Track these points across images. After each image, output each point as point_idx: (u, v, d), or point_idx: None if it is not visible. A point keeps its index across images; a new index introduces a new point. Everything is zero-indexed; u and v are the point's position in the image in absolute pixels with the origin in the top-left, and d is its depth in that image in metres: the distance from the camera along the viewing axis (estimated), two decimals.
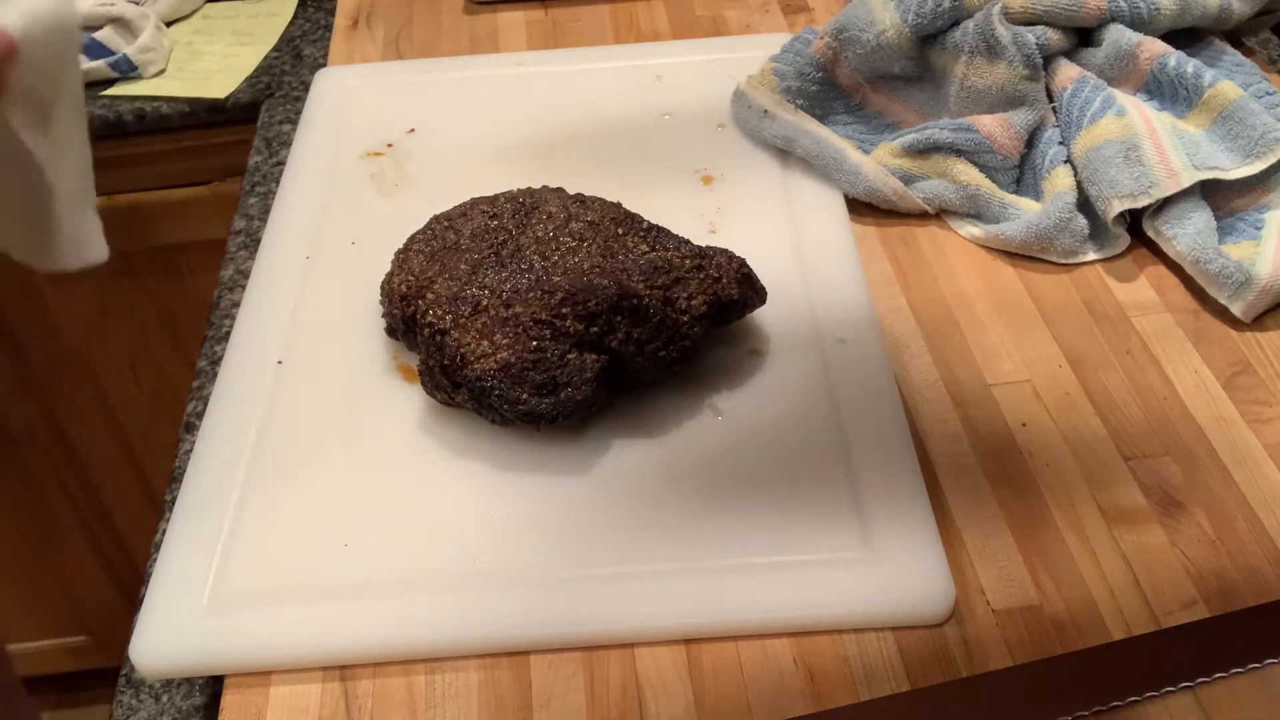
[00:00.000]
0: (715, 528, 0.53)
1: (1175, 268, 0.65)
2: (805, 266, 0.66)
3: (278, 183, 0.80)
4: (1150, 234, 0.66)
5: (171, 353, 1.11)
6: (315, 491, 0.56)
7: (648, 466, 0.56)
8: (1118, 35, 0.71)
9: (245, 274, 0.72)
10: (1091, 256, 0.66)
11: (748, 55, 0.82)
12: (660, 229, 0.60)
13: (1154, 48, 0.70)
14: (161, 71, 0.97)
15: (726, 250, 0.59)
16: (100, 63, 0.95)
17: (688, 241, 0.60)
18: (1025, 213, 0.67)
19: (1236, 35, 0.79)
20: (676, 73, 0.83)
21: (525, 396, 0.54)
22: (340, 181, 0.75)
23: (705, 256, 0.58)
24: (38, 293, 1.05)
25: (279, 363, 0.62)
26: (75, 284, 1.05)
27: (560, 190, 0.63)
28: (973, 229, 0.69)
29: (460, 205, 0.64)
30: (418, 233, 0.63)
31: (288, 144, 0.84)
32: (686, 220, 0.68)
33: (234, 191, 0.80)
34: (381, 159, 0.77)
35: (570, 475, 0.56)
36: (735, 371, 0.60)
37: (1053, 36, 0.71)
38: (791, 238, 0.68)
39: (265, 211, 0.77)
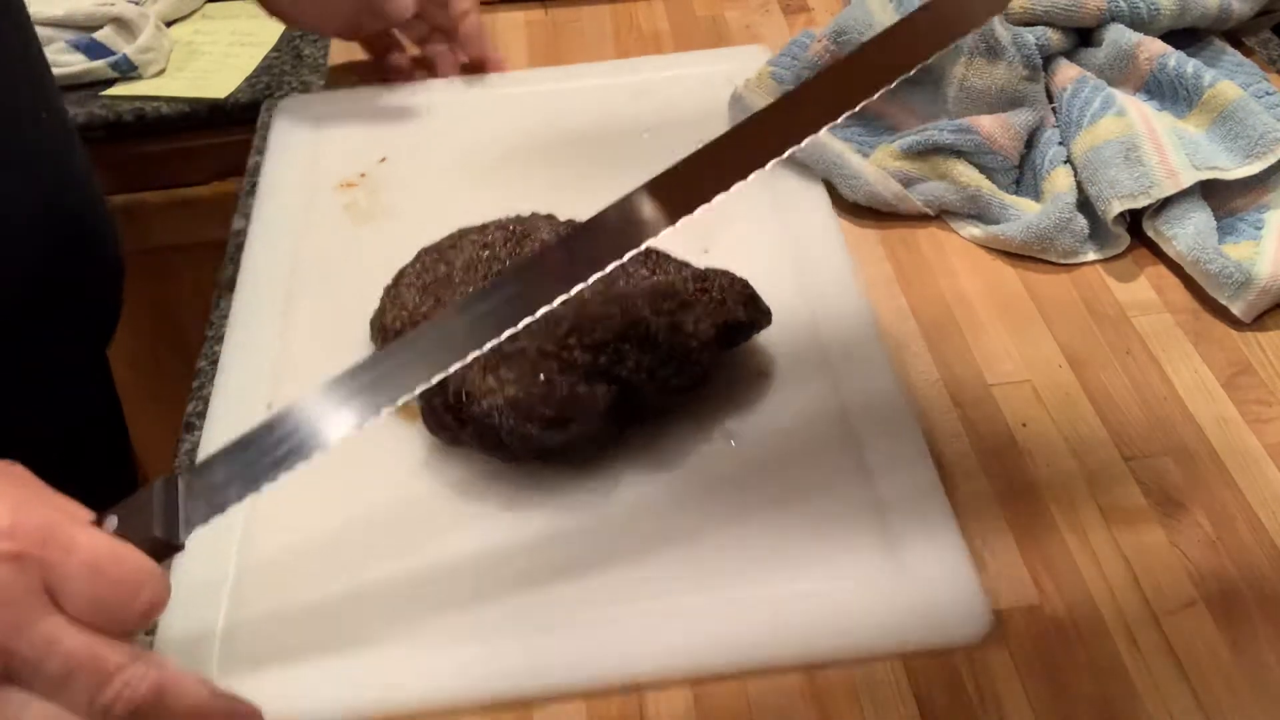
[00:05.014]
0: (736, 559, 0.51)
1: (1175, 268, 0.65)
2: (802, 282, 0.65)
3: None
4: (1150, 234, 0.66)
5: (171, 353, 1.11)
6: (316, 541, 0.54)
7: (662, 499, 0.54)
8: (1118, 35, 0.71)
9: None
10: (1091, 256, 0.66)
11: (718, 69, 0.80)
12: (657, 251, 0.59)
13: (1154, 48, 0.70)
14: (161, 71, 0.97)
15: (728, 271, 0.58)
16: (100, 63, 0.95)
17: (688, 264, 0.59)
18: (1025, 213, 0.67)
19: (1236, 35, 0.79)
20: (652, 89, 0.81)
21: (535, 432, 0.52)
22: (314, 215, 0.73)
23: (707, 279, 0.57)
24: None
25: (268, 407, 0.60)
26: None
27: (551, 217, 0.62)
28: (973, 229, 0.69)
29: (449, 236, 0.62)
30: (407, 266, 0.61)
31: None
32: (677, 241, 0.66)
33: (234, 191, 0.80)
34: (355, 189, 0.75)
35: (582, 512, 0.54)
36: (744, 395, 0.59)
37: (1053, 37, 0.72)
38: (785, 251, 0.67)
39: None
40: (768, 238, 0.68)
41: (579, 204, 0.62)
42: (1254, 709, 0.46)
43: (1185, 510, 0.53)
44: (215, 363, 0.66)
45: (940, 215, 0.70)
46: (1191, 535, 0.52)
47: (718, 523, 0.53)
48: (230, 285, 0.70)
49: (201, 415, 0.62)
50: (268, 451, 0.44)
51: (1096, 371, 0.60)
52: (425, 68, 0.86)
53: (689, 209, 0.45)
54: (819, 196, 0.71)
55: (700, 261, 0.60)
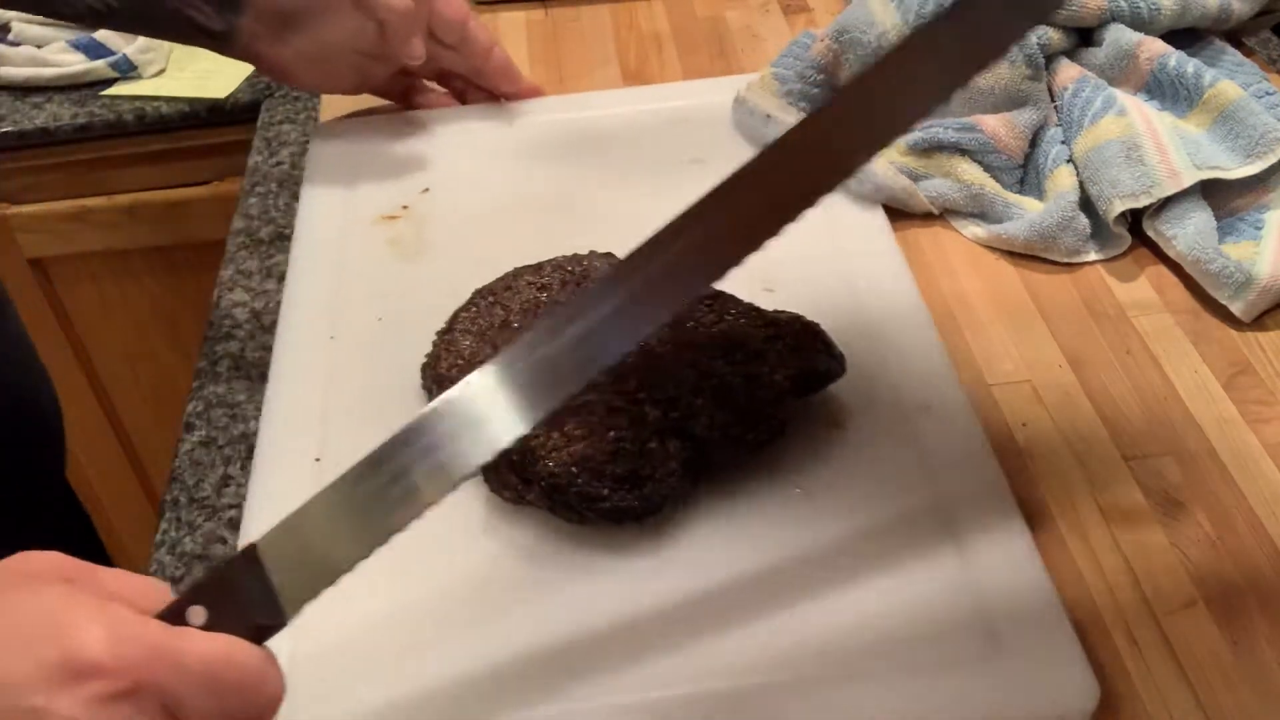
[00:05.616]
0: (820, 630, 0.48)
1: (1175, 268, 0.65)
2: (869, 321, 0.60)
3: (278, 183, 0.79)
4: (1150, 234, 0.66)
5: (171, 353, 1.11)
6: (372, 613, 0.50)
7: (740, 562, 0.50)
8: (1118, 35, 0.71)
9: (245, 274, 0.72)
10: (1093, 256, 0.66)
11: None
12: (722, 294, 0.56)
13: (1154, 48, 0.70)
14: (161, 71, 0.97)
15: (799, 315, 0.55)
16: (100, 63, 0.95)
17: (755, 307, 0.56)
18: (1028, 212, 0.67)
19: (1236, 35, 0.79)
20: (695, 115, 0.77)
21: (607, 492, 0.49)
22: (355, 250, 0.69)
23: (778, 324, 0.54)
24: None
25: (317, 460, 0.56)
26: (75, 283, 1.06)
27: (609, 255, 0.59)
28: (976, 229, 0.69)
29: (503, 277, 0.59)
30: (460, 310, 0.58)
31: (287, 144, 0.84)
32: (737, 278, 0.60)
33: (234, 191, 0.80)
34: (398, 222, 0.71)
35: (656, 579, 0.50)
36: (819, 449, 0.55)
37: (1054, 36, 0.72)
38: (849, 292, 0.62)
39: (265, 211, 0.77)
40: (830, 274, 0.64)
41: (632, 239, 0.60)
42: (1254, 709, 0.46)
43: (1185, 510, 0.53)
44: (215, 363, 0.66)
45: (942, 214, 0.70)
46: (1191, 535, 0.52)
47: (801, 590, 0.49)
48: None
49: (201, 415, 0.62)
50: (371, 507, 0.39)
51: (1096, 371, 0.60)
52: (456, 99, 0.81)
53: (750, 247, 0.41)
54: (878, 220, 0.68)
55: (764, 301, 0.57)
